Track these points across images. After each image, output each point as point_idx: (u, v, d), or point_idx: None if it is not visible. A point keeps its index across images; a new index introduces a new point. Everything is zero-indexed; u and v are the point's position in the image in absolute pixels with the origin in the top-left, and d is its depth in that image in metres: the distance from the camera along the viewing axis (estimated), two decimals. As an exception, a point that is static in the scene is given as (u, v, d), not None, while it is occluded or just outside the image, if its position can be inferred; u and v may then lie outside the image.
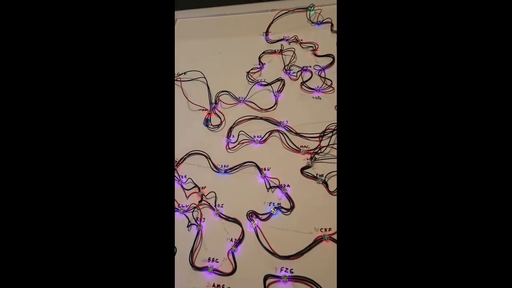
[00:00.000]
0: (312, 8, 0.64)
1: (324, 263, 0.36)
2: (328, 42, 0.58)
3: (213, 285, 0.36)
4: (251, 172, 0.45)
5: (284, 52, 0.59)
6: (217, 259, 0.38)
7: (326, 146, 0.44)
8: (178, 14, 0.71)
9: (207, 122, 0.52)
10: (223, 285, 0.36)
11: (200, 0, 0.72)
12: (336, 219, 0.36)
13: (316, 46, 0.58)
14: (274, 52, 0.59)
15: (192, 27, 0.69)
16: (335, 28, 0.60)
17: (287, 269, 0.36)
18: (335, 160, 0.43)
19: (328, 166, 0.43)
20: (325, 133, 0.46)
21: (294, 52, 0.58)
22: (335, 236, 0.37)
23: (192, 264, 0.38)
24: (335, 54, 0.55)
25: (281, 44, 0.60)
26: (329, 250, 0.37)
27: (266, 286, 0.35)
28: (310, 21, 0.63)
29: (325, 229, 0.38)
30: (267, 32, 0.63)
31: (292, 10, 0.65)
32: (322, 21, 0.62)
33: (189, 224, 0.41)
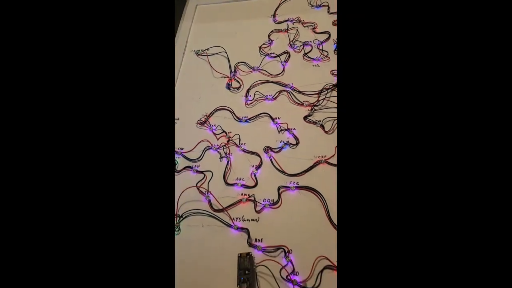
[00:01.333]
0: (312, -7, 0.76)
1: (321, 178, 0.49)
2: (325, 21, 0.71)
3: (242, 194, 0.50)
4: (266, 121, 0.58)
5: (289, 31, 0.71)
6: (243, 178, 0.52)
7: (323, 100, 0.58)
8: (198, 0, 0.84)
9: (228, 86, 0.65)
10: (249, 193, 0.50)
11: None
12: (329, 149, 0.51)
13: (315, 25, 0.71)
14: (281, 30, 0.72)
15: (211, 12, 0.82)
16: (331, 10, 0.72)
17: (294, 182, 0.50)
18: (330, 110, 0.56)
19: (324, 115, 0.56)
20: (322, 91, 0.59)
21: (297, 30, 0.71)
22: (329, 161, 0.51)
23: (225, 182, 0.52)
24: (330, 31, 0.68)
25: (287, 24, 0.72)
26: (324, 170, 0.50)
27: (280, 193, 0.49)
28: (311, 4, 0.75)
29: (322, 156, 0.51)
30: (274, 15, 0.76)
31: (295, -4, 0.78)
32: (320, 4, 0.74)
33: (221, 157, 0.55)
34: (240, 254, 0.44)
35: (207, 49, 0.72)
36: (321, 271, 0.41)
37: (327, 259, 0.42)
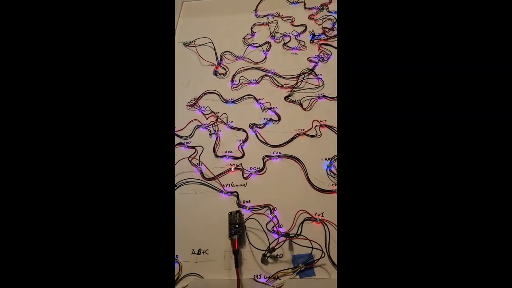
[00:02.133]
0: (289, -8, 0.84)
1: (300, 148, 0.56)
2: (301, 15, 0.78)
3: (230, 164, 0.55)
4: (250, 102, 0.64)
5: (269, 24, 0.78)
6: (231, 151, 0.57)
7: (301, 82, 0.64)
8: (184, -3, 0.89)
9: (215, 73, 0.71)
10: (236, 163, 0.55)
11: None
12: (307, 123, 0.57)
13: (293, 19, 0.78)
14: (262, 24, 0.79)
15: (197, 7, 0.88)
16: (307, 6, 0.80)
17: (277, 152, 0.56)
18: (307, 91, 0.63)
19: (302, 95, 0.63)
20: (300, 75, 0.66)
21: (277, 23, 0.78)
22: (307, 133, 0.57)
23: (215, 154, 0.57)
24: (306, 24, 0.75)
25: (267, 18, 0.79)
26: (303, 141, 0.57)
27: (264, 162, 0.55)
28: (289, 1, 0.83)
29: (301, 129, 0.58)
30: (256, 10, 0.83)
31: (274, -6, 0.85)
32: (297, 1, 0.82)
33: (210, 133, 0.60)
34: (231, 212, 0.49)
35: (194, 40, 0.78)
36: (302, 223, 0.47)
37: (306, 212, 0.48)
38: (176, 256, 0.47)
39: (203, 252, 0.47)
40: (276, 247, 0.44)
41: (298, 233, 0.46)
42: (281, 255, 0.45)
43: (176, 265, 0.46)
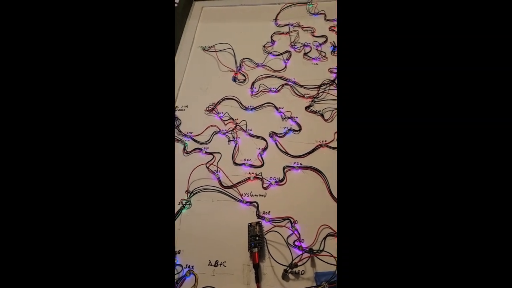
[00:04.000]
0: (310, 3, 0.84)
1: (322, 159, 0.54)
2: (322, 27, 0.78)
3: (249, 173, 0.54)
4: (270, 110, 0.63)
5: (290, 33, 0.78)
6: (250, 159, 0.56)
7: (322, 92, 0.63)
8: (204, 3, 0.89)
9: (234, 79, 0.70)
10: (256, 172, 0.53)
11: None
12: (328, 135, 0.56)
13: (314, 30, 0.78)
14: (282, 33, 0.78)
15: (217, 13, 0.87)
16: (327, 18, 0.80)
17: (298, 163, 0.54)
18: (328, 101, 0.62)
19: (323, 105, 0.62)
20: (321, 86, 0.65)
21: (297, 33, 0.77)
22: (329, 145, 0.56)
23: (234, 162, 0.55)
24: (327, 35, 0.75)
25: (288, 27, 0.79)
26: (325, 153, 0.55)
27: (285, 172, 0.53)
28: (309, 12, 0.83)
29: (322, 141, 0.56)
30: (276, 19, 0.82)
31: (295, 4, 0.85)
32: (318, 12, 0.82)
33: (229, 140, 0.58)
34: (250, 223, 0.47)
35: (214, 45, 0.77)
36: (325, 238, 0.45)
37: (329, 227, 0.46)
38: (192, 267, 0.45)
39: (221, 264, 0.45)
40: (299, 264, 0.42)
41: (321, 249, 0.44)
42: (303, 272, 0.43)
43: (192, 277, 0.44)
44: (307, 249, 0.44)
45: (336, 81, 0.65)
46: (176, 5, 0.86)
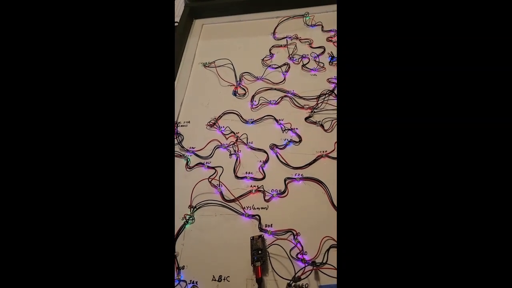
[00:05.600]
0: (307, 15, 0.85)
1: (323, 170, 0.54)
2: (319, 38, 0.79)
3: (251, 186, 0.54)
4: (270, 122, 0.64)
5: (288, 46, 0.79)
6: (251, 172, 0.56)
7: (321, 103, 0.64)
8: (205, 21, 0.92)
9: (235, 93, 0.71)
10: (257, 185, 0.54)
11: (221, 10, 0.93)
12: (329, 145, 0.56)
13: (311, 41, 0.79)
14: (280, 46, 0.80)
15: (216, 30, 0.90)
16: (324, 28, 0.81)
17: (299, 174, 0.54)
18: (328, 112, 0.63)
19: (323, 116, 0.62)
20: (320, 96, 0.65)
21: (295, 46, 0.79)
22: (330, 155, 0.56)
23: (235, 175, 0.56)
24: (325, 46, 0.76)
25: (286, 40, 0.80)
26: (326, 163, 0.55)
27: (286, 184, 0.53)
28: (306, 24, 0.84)
29: (323, 151, 0.57)
30: (274, 33, 0.84)
31: (292, 17, 0.87)
32: (315, 24, 0.83)
33: (230, 154, 0.59)
34: (253, 236, 0.47)
35: (214, 61, 0.79)
36: (327, 250, 0.45)
37: (332, 239, 0.46)
38: (196, 282, 0.45)
39: (224, 279, 0.45)
40: (302, 277, 0.42)
41: (324, 261, 0.44)
42: (306, 285, 0.43)
43: (196, 293, 0.44)
44: (310, 262, 0.44)
45: (335, 91, 0.66)
46: (176, 24, 0.89)
